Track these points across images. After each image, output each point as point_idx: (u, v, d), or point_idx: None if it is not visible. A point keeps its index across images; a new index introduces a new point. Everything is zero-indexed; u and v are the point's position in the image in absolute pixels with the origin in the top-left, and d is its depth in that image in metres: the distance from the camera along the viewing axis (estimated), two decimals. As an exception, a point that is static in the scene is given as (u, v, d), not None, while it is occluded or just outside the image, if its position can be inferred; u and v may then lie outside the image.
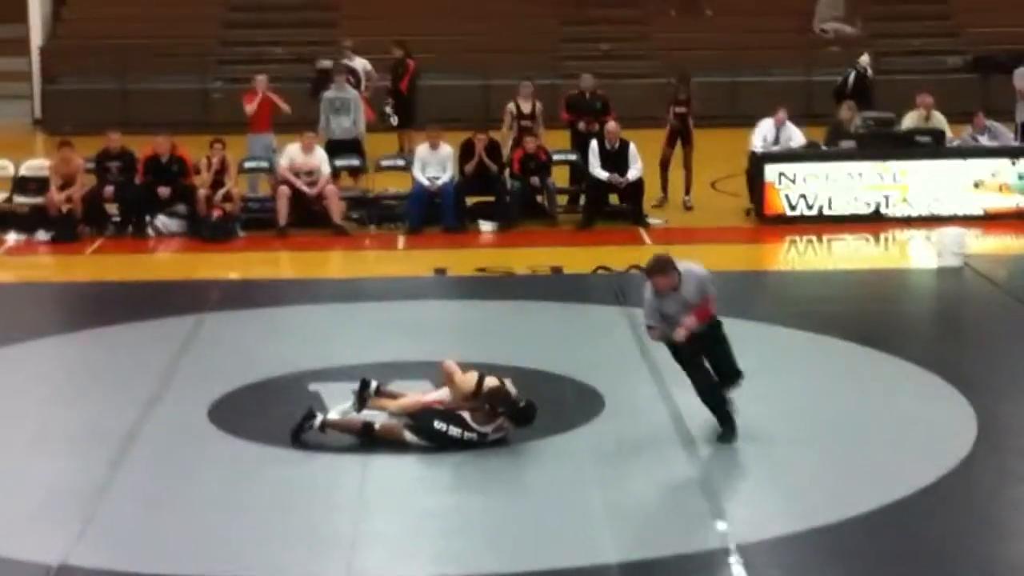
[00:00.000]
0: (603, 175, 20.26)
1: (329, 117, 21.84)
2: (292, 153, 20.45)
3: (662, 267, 11.55)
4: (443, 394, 11.61)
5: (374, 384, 11.99)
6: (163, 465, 11.23)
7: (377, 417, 11.70)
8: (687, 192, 21.65)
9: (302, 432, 11.54)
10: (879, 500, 10.31)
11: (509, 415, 11.41)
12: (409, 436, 11.41)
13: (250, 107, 21.80)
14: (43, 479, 10.93)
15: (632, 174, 20.29)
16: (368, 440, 11.48)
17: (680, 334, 11.42)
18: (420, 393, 11.85)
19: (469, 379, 11.51)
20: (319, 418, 11.62)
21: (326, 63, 24.70)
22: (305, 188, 20.16)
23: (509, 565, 9.37)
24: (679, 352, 11.59)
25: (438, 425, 11.38)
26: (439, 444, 11.33)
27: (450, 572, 9.35)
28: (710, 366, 11.58)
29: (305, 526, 10.02)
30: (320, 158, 20.46)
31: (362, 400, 11.83)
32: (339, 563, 9.38)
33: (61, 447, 11.61)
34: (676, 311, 11.49)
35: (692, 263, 11.70)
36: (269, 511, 10.30)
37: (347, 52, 24.80)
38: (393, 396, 11.89)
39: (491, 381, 11.46)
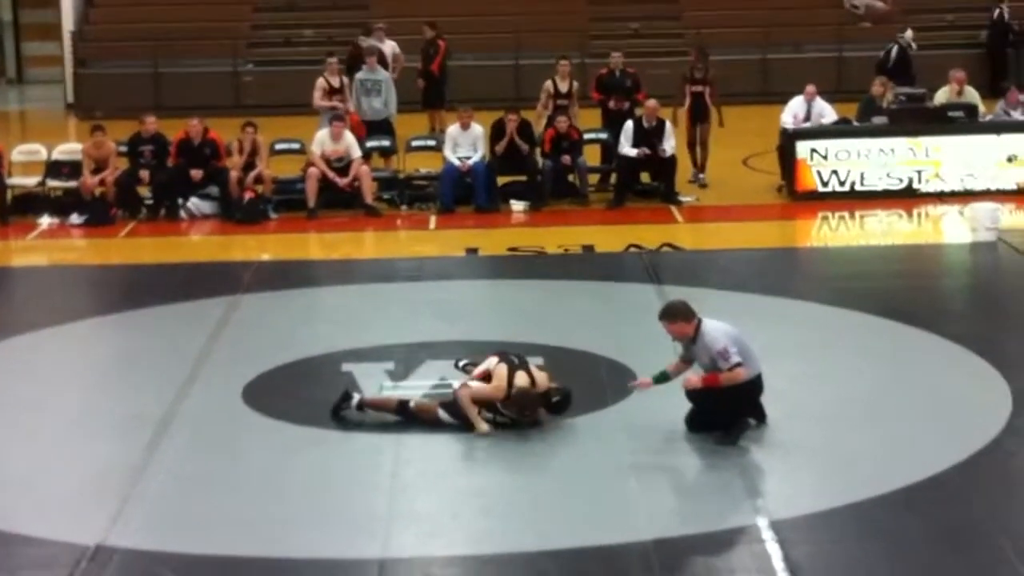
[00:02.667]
0: (632, 152, 20.23)
1: (360, 98, 21.88)
2: (322, 140, 20.44)
3: (666, 313, 11.20)
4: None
5: (462, 363, 12.15)
6: (199, 447, 11.28)
7: (413, 396, 11.79)
8: (702, 170, 21.56)
9: (340, 411, 11.65)
10: (914, 476, 10.30)
11: (545, 408, 11.44)
12: (443, 415, 11.47)
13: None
14: (79, 461, 10.99)
15: (667, 149, 20.21)
16: (404, 418, 11.53)
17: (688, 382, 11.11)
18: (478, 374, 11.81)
19: (500, 380, 11.41)
20: (356, 398, 11.70)
21: (369, 41, 24.57)
22: (336, 179, 20.13)
23: (544, 543, 9.38)
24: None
25: (469, 408, 11.43)
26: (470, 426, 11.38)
27: (486, 551, 9.38)
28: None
29: (341, 506, 10.07)
30: (349, 143, 20.42)
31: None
32: (375, 543, 9.41)
33: (97, 429, 11.67)
34: (689, 359, 11.31)
35: (723, 327, 11.06)
36: (305, 491, 10.34)
37: (379, 34, 24.80)
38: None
39: (520, 379, 11.40)
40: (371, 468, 10.76)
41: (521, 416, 11.35)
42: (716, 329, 11.03)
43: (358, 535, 9.56)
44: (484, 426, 11.31)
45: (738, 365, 10.88)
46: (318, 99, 21.85)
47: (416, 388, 12.15)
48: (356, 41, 24.91)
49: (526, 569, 9.14)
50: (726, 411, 10.94)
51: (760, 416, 11.21)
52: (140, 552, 9.37)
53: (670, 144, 20.27)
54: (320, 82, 21.93)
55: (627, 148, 20.27)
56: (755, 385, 11.12)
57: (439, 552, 9.37)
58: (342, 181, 20.13)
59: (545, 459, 11.00)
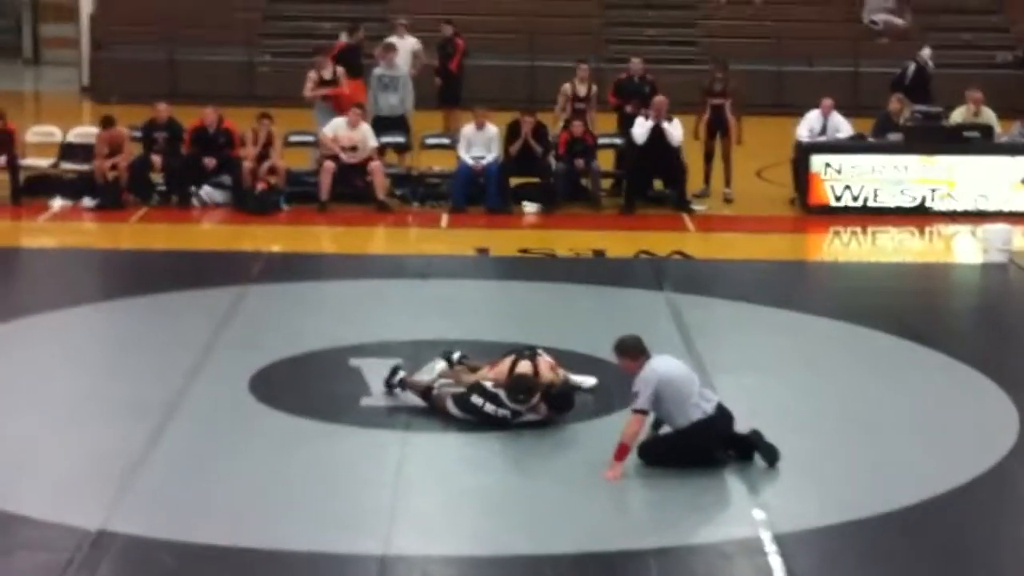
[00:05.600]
0: (641, 139, 20.11)
1: (377, 94, 21.83)
2: (337, 126, 20.49)
3: (615, 348, 10.94)
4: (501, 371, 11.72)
5: (456, 355, 12.31)
6: (203, 435, 11.27)
7: (445, 386, 11.95)
8: (727, 184, 21.46)
9: (392, 383, 11.96)
10: (917, 496, 10.27)
11: (544, 400, 11.46)
12: (451, 407, 11.59)
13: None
14: (83, 445, 10.99)
15: (674, 136, 20.14)
16: (428, 404, 11.70)
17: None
18: (489, 368, 11.92)
19: (503, 365, 11.66)
20: (401, 374, 11.97)
21: (358, 36, 24.41)
22: (344, 156, 20.16)
23: (544, 547, 9.37)
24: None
25: (475, 399, 11.52)
26: (476, 418, 11.45)
27: (486, 552, 9.36)
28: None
29: (343, 501, 10.05)
30: (365, 132, 20.47)
31: (450, 365, 12.27)
32: (376, 540, 9.38)
33: (101, 414, 11.65)
34: None
35: (661, 368, 10.63)
36: (308, 484, 10.33)
37: (400, 30, 24.75)
38: (474, 369, 12.06)
39: (523, 367, 11.53)
40: (375, 464, 10.74)
41: (515, 400, 11.37)
42: (648, 369, 10.65)
43: (359, 531, 9.54)
44: (451, 407, 11.56)
45: (639, 412, 10.53)
46: (309, 90, 21.80)
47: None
48: (343, 38, 24.54)
49: (525, 572, 9.13)
50: (674, 458, 10.65)
51: (744, 451, 10.86)
52: (142, 539, 9.36)
53: (677, 133, 20.18)
54: (311, 75, 21.87)
55: (638, 133, 20.20)
56: (704, 429, 10.68)
57: (439, 551, 9.35)
58: (351, 158, 20.09)
59: (549, 462, 10.99)
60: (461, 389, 11.78)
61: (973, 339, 14.72)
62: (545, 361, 11.74)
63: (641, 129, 20.20)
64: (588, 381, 12.33)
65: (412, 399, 11.84)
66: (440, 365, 12.23)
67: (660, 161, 20.43)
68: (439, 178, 21.16)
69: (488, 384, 11.60)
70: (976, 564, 9.37)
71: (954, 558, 9.45)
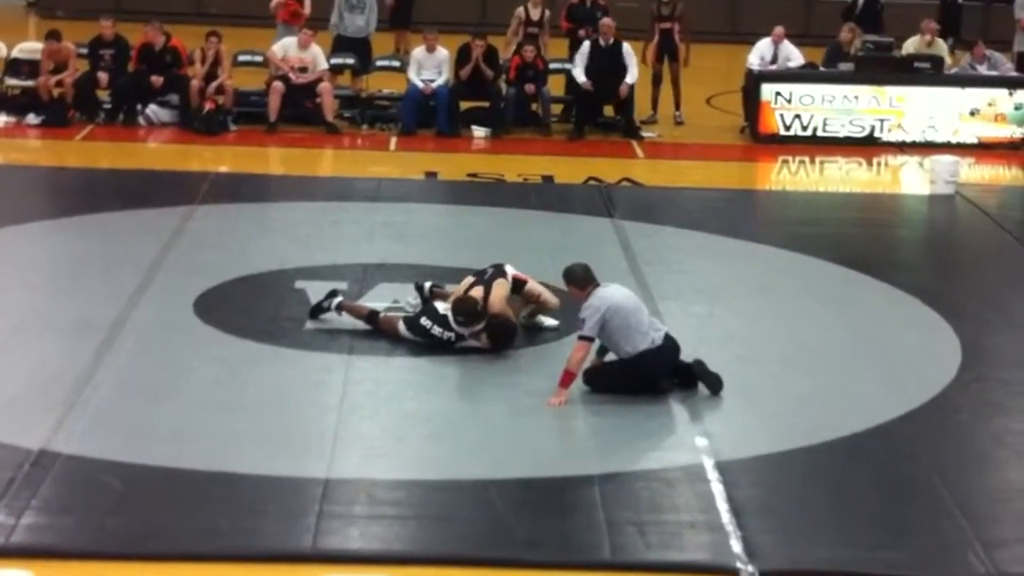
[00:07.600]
0: (581, 78, 20.12)
1: (343, 14, 21.54)
2: (287, 46, 20.31)
3: (563, 276, 10.96)
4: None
5: (427, 285, 12.27)
6: (148, 356, 11.22)
7: (382, 308, 11.99)
8: (676, 108, 21.47)
9: (321, 310, 11.90)
10: (860, 425, 10.33)
11: (483, 329, 11.46)
12: (402, 328, 11.61)
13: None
14: (26, 364, 10.92)
15: (628, 78, 20.12)
16: (372, 327, 11.68)
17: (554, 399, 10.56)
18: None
19: (459, 289, 11.69)
20: (338, 298, 11.91)
21: None
22: (293, 77, 19.99)
23: (489, 472, 9.37)
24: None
25: (423, 321, 11.56)
26: (424, 340, 11.49)
27: (432, 476, 9.36)
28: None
29: (288, 424, 10.03)
30: (315, 53, 20.29)
31: (424, 301, 12.17)
32: (320, 462, 9.37)
33: (45, 333, 11.57)
34: None
35: (609, 296, 10.62)
36: (252, 407, 10.30)
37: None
38: (445, 297, 12.01)
39: (475, 292, 11.55)
40: (320, 387, 10.72)
41: (456, 322, 11.38)
42: (596, 297, 10.66)
43: (304, 454, 9.53)
44: (402, 329, 11.57)
45: (584, 339, 10.54)
46: (273, 3, 21.57)
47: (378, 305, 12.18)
48: None
49: (470, 496, 9.12)
50: (620, 386, 10.72)
51: (688, 380, 10.88)
52: (84, 459, 9.32)
53: (632, 73, 20.15)
54: None
55: (578, 72, 20.17)
56: (651, 358, 10.72)
57: (384, 475, 9.34)
58: (298, 78, 19.93)
59: (495, 387, 10.98)
60: (412, 312, 11.79)
61: (918, 270, 14.78)
62: (500, 292, 11.62)
63: (583, 77, 20.12)
64: (550, 322, 12.22)
65: (345, 322, 11.79)
66: (384, 303, 12.21)
67: (610, 89, 20.37)
68: (388, 101, 21.04)
69: (440, 307, 11.61)
70: (919, 491, 9.43)
71: (897, 486, 9.50)
